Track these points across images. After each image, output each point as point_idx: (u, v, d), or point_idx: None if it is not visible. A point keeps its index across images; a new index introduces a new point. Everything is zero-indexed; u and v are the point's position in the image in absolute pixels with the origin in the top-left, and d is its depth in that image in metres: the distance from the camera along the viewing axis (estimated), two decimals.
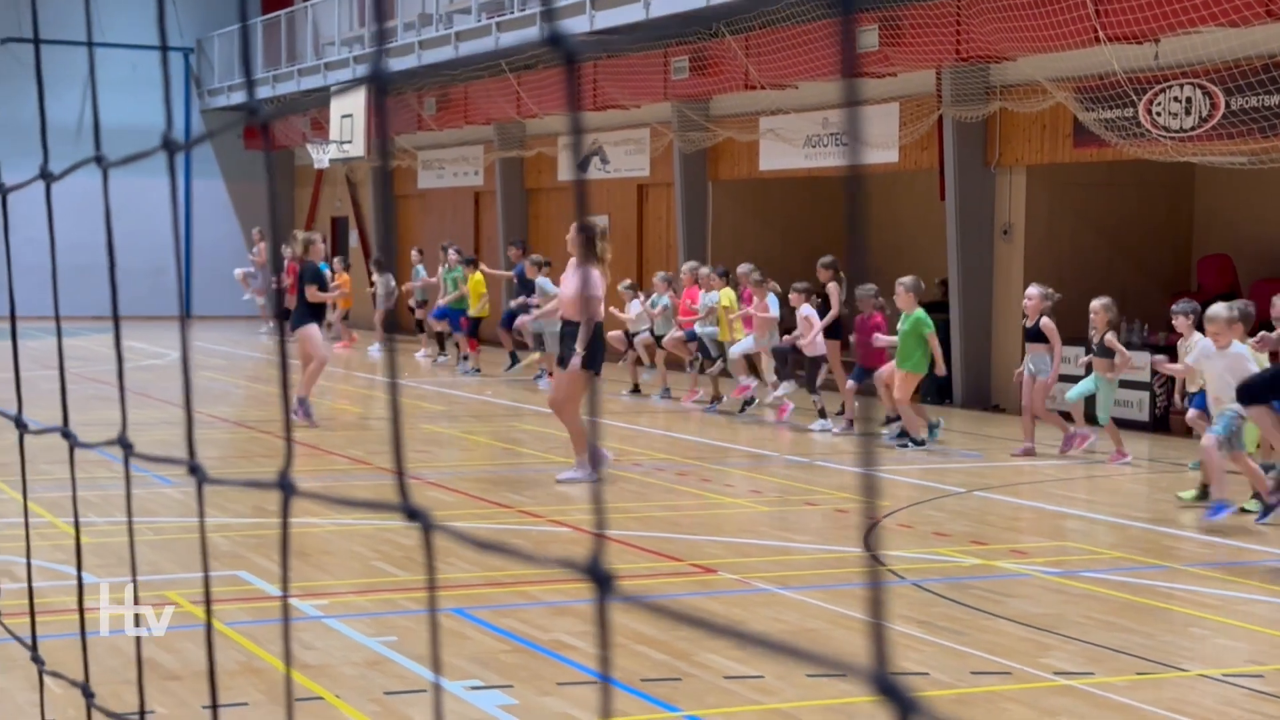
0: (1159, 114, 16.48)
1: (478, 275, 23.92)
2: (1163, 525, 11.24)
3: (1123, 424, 15.18)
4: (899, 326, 15.20)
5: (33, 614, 2.21)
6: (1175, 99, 16.35)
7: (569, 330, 12.63)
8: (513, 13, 25.34)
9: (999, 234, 19.48)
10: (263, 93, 34.90)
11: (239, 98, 35.99)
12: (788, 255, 24.26)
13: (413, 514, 1.28)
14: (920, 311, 15.02)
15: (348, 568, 9.45)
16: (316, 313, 16.41)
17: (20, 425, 2.13)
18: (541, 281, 20.53)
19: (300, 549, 9.95)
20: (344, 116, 28.64)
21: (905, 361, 14.98)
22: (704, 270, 19.12)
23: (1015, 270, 19.30)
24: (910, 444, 15.03)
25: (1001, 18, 17.04)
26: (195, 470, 1.55)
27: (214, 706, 6.10)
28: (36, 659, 2.03)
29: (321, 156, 29.96)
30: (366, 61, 29.61)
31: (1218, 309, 11.52)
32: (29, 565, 3.04)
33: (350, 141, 28.34)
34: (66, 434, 2.10)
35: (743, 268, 18.17)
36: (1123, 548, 10.34)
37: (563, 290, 13.07)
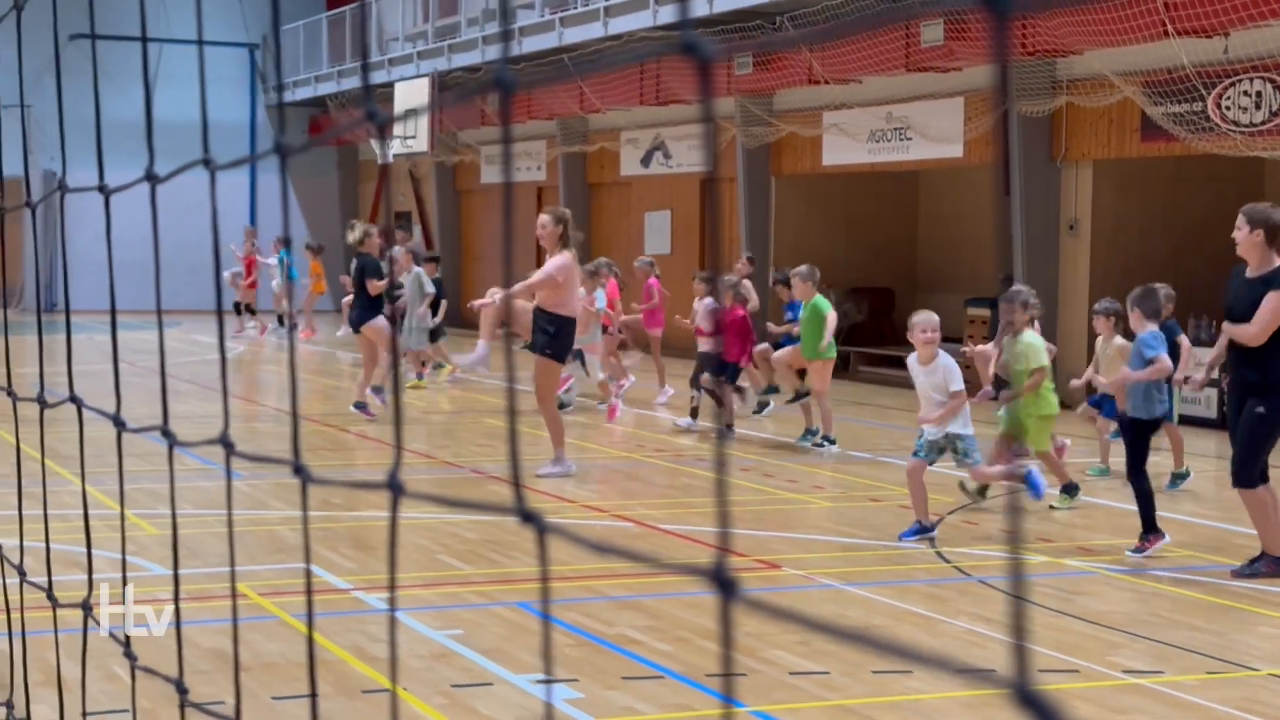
0: (1228, 108, 16.32)
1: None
2: (1231, 523, 11.13)
3: (1190, 421, 15.02)
4: (800, 315, 14.64)
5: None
6: (1245, 93, 16.19)
7: (544, 318, 12.34)
8: (575, 8, 25.37)
9: (1064, 229, 19.34)
10: (327, 89, 35.10)
11: (304, 93, 36.21)
12: (851, 250, 24.20)
13: (527, 516, 1.29)
14: (819, 298, 14.37)
15: (412, 561, 9.49)
16: (378, 306, 16.47)
17: (119, 423, 2.15)
18: (419, 273, 19.50)
19: (365, 542, 10.02)
20: (408, 111, 28.73)
21: (813, 350, 14.35)
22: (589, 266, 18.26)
23: (1081, 266, 19.16)
24: (826, 444, 14.47)
25: (1068, 11, 16.91)
26: (299, 470, 1.56)
27: (312, 695, 6.14)
28: (129, 655, 2.05)
29: (385, 152, 30.07)
30: (431, 57, 29.75)
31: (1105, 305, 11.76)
32: (124, 561, 3.06)
33: (414, 137, 28.43)
34: (166, 432, 2.12)
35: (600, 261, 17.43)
36: (1191, 546, 10.24)
37: (539, 278, 12.49)
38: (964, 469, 10.64)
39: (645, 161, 27.04)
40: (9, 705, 2.56)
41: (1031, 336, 11.38)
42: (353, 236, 17.12)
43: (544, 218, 12.45)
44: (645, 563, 1.39)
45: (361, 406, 16.33)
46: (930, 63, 19.11)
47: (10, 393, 2.98)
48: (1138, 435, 9.76)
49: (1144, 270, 18.46)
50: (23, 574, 2.26)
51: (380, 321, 16.31)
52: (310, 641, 1.79)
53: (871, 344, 23.67)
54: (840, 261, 23.56)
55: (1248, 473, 9.09)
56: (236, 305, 30.01)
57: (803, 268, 14.71)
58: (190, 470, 12.57)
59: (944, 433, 10.10)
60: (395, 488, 1.36)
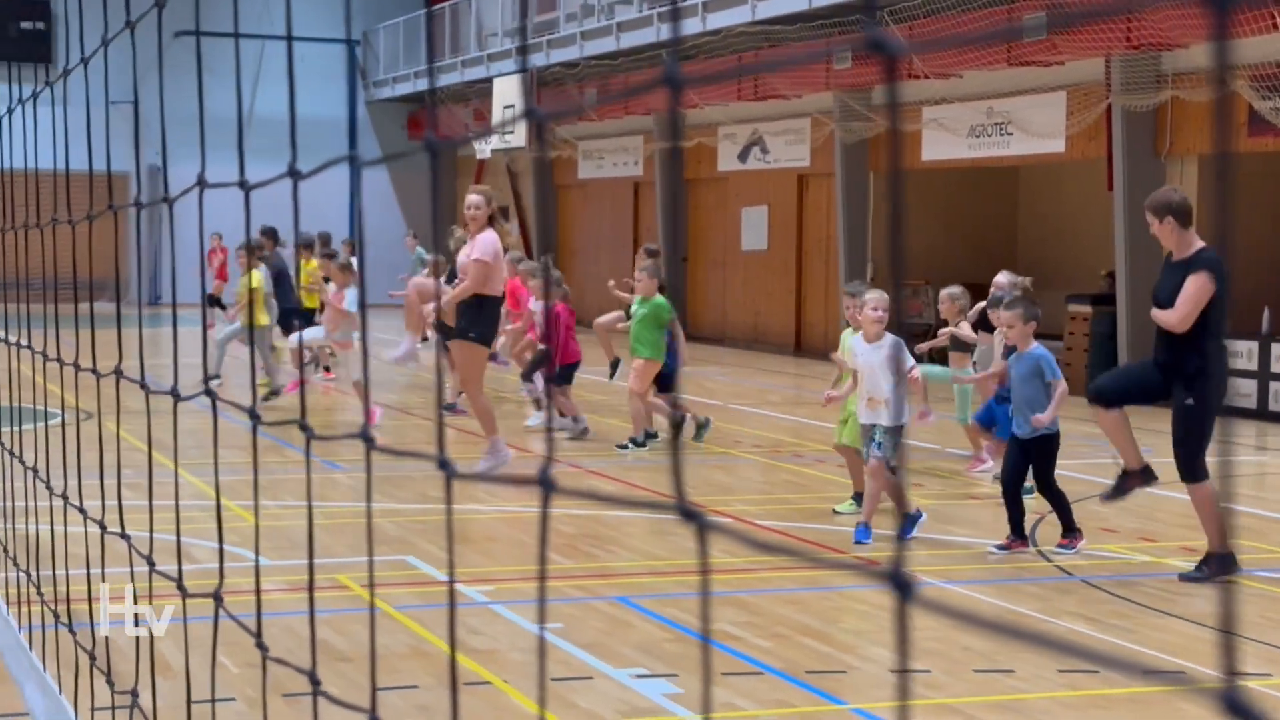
0: None
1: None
2: None
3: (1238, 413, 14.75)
4: (633, 310, 14.00)
5: (259, 598, 2.25)
6: None
7: (470, 302, 11.78)
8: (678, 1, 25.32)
9: None
10: (425, 85, 35.31)
11: (404, 89, 36.46)
12: (949, 246, 24.01)
13: (688, 514, 1.28)
14: (660, 298, 13.73)
15: (511, 554, 9.53)
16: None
17: (254, 416, 2.16)
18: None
19: (465, 535, 10.06)
20: (506, 107, 28.87)
21: (642, 349, 13.67)
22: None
23: None
24: (631, 445, 13.82)
25: (1174, 4, 16.67)
26: (445, 465, 1.56)
27: (373, 689, 6.19)
28: (261, 645, 2.07)
29: (483, 147, 30.24)
30: (529, 53, 29.83)
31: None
32: (258, 555, 3.10)
33: (512, 132, 28.55)
34: (304, 426, 2.13)
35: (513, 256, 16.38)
36: None
37: (476, 271, 11.83)
38: (869, 459, 9.82)
39: (742, 157, 26.98)
40: (134, 694, 2.59)
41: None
42: (453, 242, 17.09)
43: (476, 198, 11.93)
44: (816, 561, 1.37)
45: (450, 407, 16.36)
46: (1032, 57, 18.92)
47: (144, 385, 3.02)
48: (1038, 453, 9.49)
49: (1250, 266, 18.16)
50: (151, 564, 2.29)
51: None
52: (451, 638, 1.77)
53: None
54: (938, 257, 23.38)
55: (1193, 467, 8.74)
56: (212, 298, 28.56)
57: (648, 263, 14.09)
58: (291, 462, 12.70)
59: (874, 422, 9.69)
60: (545, 484, 1.36)
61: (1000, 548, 9.60)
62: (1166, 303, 8.71)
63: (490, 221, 11.88)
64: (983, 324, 13.19)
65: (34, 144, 4.66)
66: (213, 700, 5.53)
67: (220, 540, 2.76)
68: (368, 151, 37.95)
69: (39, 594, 2.93)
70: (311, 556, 2.36)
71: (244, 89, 34.30)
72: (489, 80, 30.30)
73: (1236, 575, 8.79)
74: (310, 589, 2.08)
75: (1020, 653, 7.17)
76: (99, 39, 3.73)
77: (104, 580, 2.70)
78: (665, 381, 14.01)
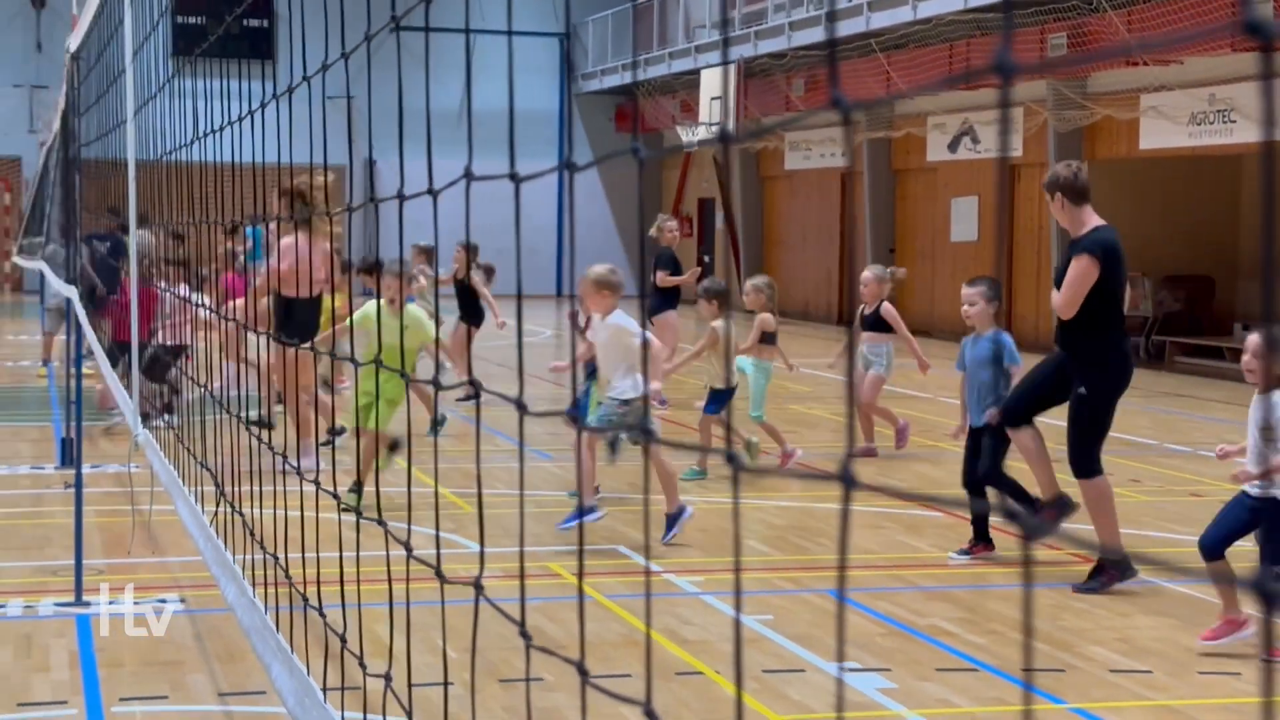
0: None
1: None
2: None
3: None
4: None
5: (523, 584, 2.27)
6: None
7: (277, 306, 11.15)
8: None
9: None
10: (632, 77, 35.51)
11: (612, 81, 36.70)
12: (1167, 236, 23.41)
13: (1011, 515, 1.25)
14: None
15: (720, 545, 9.52)
16: (671, 298, 16.37)
17: (521, 406, 2.18)
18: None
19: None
20: (713, 99, 28.89)
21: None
22: None
23: None
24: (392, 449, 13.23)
25: None
26: (731, 459, 1.54)
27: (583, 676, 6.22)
28: (524, 634, 2.08)
29: (690, 138, 30.30)
30: (737, 44, 29.81)
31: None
32: (523, 545, 3.14)
33: (719, 123, 28.56)
34: (573, 415, 2.14)
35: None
36: None
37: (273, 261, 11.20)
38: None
39: (952, 147, 26.63)
40: (387, 677, 2.64)
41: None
42: (654, 231, 17.12)
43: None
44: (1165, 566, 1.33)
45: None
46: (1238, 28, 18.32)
47: (403, 374, 3.08)
48: (990, 443, 8.88)
49: None
50: (409, 550, 2.32)
51: (669, 315, 16.18)
52: (648, 635, 1.76)
53: (1188, 333, 22.88)
54: (1156, 248, 22.82)
55: (1085, 461, 8.22)
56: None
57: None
58: (501, 451, 12.86)
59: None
60: (847, 480, 1.34)
61: (962, 553, 9.10)
62: (1059, 285, 8.32)
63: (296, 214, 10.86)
64: (878, 324, 12.83)
65: (260, 139, 4.78)
66: (471, 686, 5.63)
67: (481, 528, 2.80)
68: (576, 143, 38.24)
69: (286, 577, 3.00)
70: (582, 548, 2.38)
71: (457, 83, 34.92)
72: (696, 72, 30.33)
73: (1131, 581, 8.29)
74: (580, 590, 2.06)
75: (1249, 656, 6.95)
76: (318, 36, 3.81)
77: (358, 565, 2.74)
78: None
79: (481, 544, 2.38)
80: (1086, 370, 8.24)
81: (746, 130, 30.73)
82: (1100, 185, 23.99)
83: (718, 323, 11.70)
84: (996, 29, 22.82)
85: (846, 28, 25.85)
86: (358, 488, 9.10)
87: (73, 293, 10.42)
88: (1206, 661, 6.93)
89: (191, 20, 29.32)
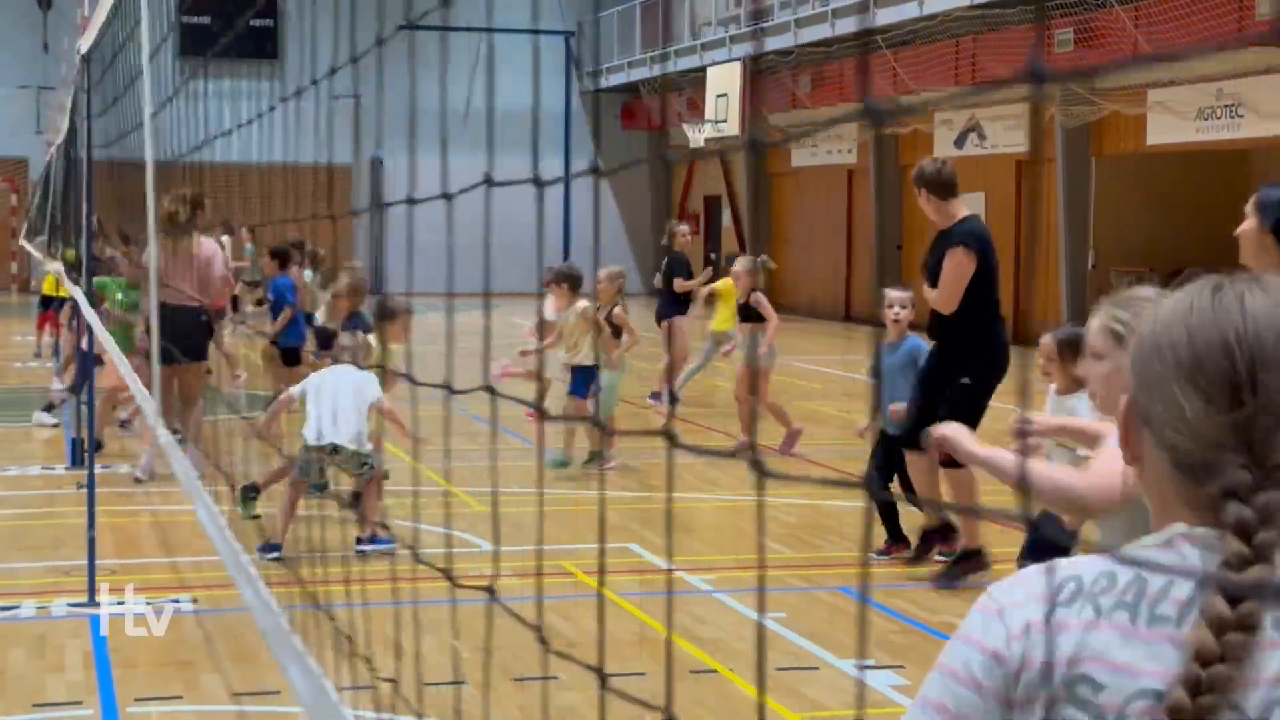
0: None
1: None
2: None
3: None
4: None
5: (540, 585, 2.27)
6: None
7: (175, 314, 10.43)
8: None
9: None
10: (639, 74, 35.51)
11: (617, 79, 36.69)
12: (1174, 232, 23.39)
13: (1030, 522, 1.24)
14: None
15: (734, 544, 9.53)
16: (682, 304, 16.31)
17: (542, 413, 2.17)
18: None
19: (686, 524, 10.09)
20: (719, 96, 28.88)
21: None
22: None
23: None
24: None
25: None
26: (756, 464, 1.54)
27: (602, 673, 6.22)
28: (542, 640, 2.08)
29: (697, 136, 30.29)
30: (743, 41, 29.83)
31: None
32: (498, 542, 3.14)
33: (725, 121, 28.55)
34: (599, 423, 2.13)
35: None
36: None
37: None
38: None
39: (959, 143, 26.60)
40: (393, 680, 2.63)
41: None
42: (669, 238, 16.97)
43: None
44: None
45: (656, 396, 16.33)
46: (1265, 35, 18.30)
47: (410, 378, 3.08)
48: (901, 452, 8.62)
49: None
50: (417, 555, 2.30)
51: (679, 320, 16.13)
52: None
53: None
54: (1162, 244, 22.81)
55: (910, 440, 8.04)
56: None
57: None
58: (513, 449, 12.86)
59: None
60: (870, 485, 1.33)
61: (880, 554, 8.90)
62: (932, 280, 8.25)
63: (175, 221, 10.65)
64: (749, 314, 12.72)
65: (266, 138, 4.77)
66: (485, 685, 5.63)
67: (497, 531, 2.80)
68: (580, 141, 38.14)
69: (297, 578, 3.00)
70: (604, 543, 2.38)
71: (463, 83, 34.94)
72: (703, 69, 30.33)
73: (987, 573, 8.15)
74: (600, 591, 2.06)
75: None
76: (325, 35, 3.80)
77: (363, 566, 2.73)
78: None
79: (497, 543, 2.38)
80: (969, 360, 8.16)
81: (760, 131, 30.71)
82: (1108, 181, 24.06)
83: (584, 304, 11.69)
84: (1003, 24, 22.80)
85: (852, 24, 25.84)
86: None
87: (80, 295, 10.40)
88: None
89: (195, 20, 29.21)
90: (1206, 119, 20.70)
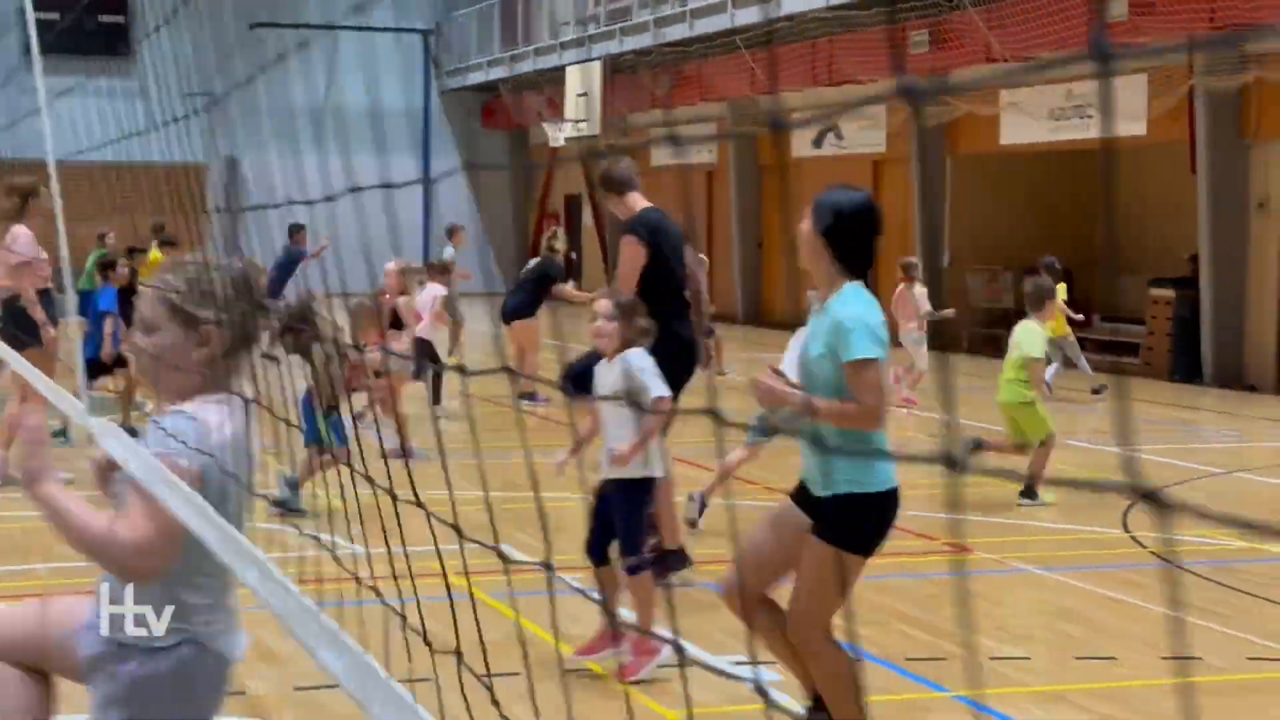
0: None
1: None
2: None
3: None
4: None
5: (551, 575, 2.27)
6: None
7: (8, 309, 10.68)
8: None
9: (1254, 208, 18.85)
10: (498, 73, 35.39)
11: (476, 79, 36.53)
12: (1028, 230, 23.83)
13: (1147, 495, 1.25)
14: None
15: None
16: (536, 305, 16.30)
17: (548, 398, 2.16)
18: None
19: (555, 522, 10.08)
20: (579, 95, 28.90)
21: None
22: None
23: (1270, 245, 18.67)
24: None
25: None
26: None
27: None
28: (427, 642, 2.07)
29: (556, 134, 30.30)
30: (602, 40, 29.87)
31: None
32: (398, 546, 3.13)
33: (586, 120, 28.59)
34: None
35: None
36: None
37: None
38: None
39: (817, 143, 26.87)
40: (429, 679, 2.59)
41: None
42: (558, 244, 16.67)
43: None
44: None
45: (530, 397, 16.33)
46: (1113, 38, 18.73)
47: (436, 369, 3.03)
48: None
49: None
50: (461, 538, 2.23)
51: (530, 321, 16.19)
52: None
53: None
54: (1018, 241, 23.23)
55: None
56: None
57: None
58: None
59: None
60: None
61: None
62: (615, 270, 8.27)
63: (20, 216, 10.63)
64: (396, 322, 12.78)
65: (116, 136, 4.70)
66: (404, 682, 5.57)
67: (545, 521, 2.79)
68: (441, 139, 37.89)
69: (335, 559, 2.92)
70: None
71: (319, 80, 34.51)
72: (562, 69, 30.33)
73: (685, 572, 8.25)
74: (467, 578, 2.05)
75: (1124, 640, 7.11)
76: (174, 31, 3.76)
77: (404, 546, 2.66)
78: None
79: (547, 538, 2.36)
80: (655, 353, 7.35)
81: (780, 112, 30.75)
82: (963, 180, 24.41)
83: (440, 290, 11.72)
84: (859, 26, 23.06)
85: (711, 24, 26.00)
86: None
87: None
88: (1083, 647, 7.07)
89: (44, 16, 28.55)
90: (1058, 119, 21.14)
